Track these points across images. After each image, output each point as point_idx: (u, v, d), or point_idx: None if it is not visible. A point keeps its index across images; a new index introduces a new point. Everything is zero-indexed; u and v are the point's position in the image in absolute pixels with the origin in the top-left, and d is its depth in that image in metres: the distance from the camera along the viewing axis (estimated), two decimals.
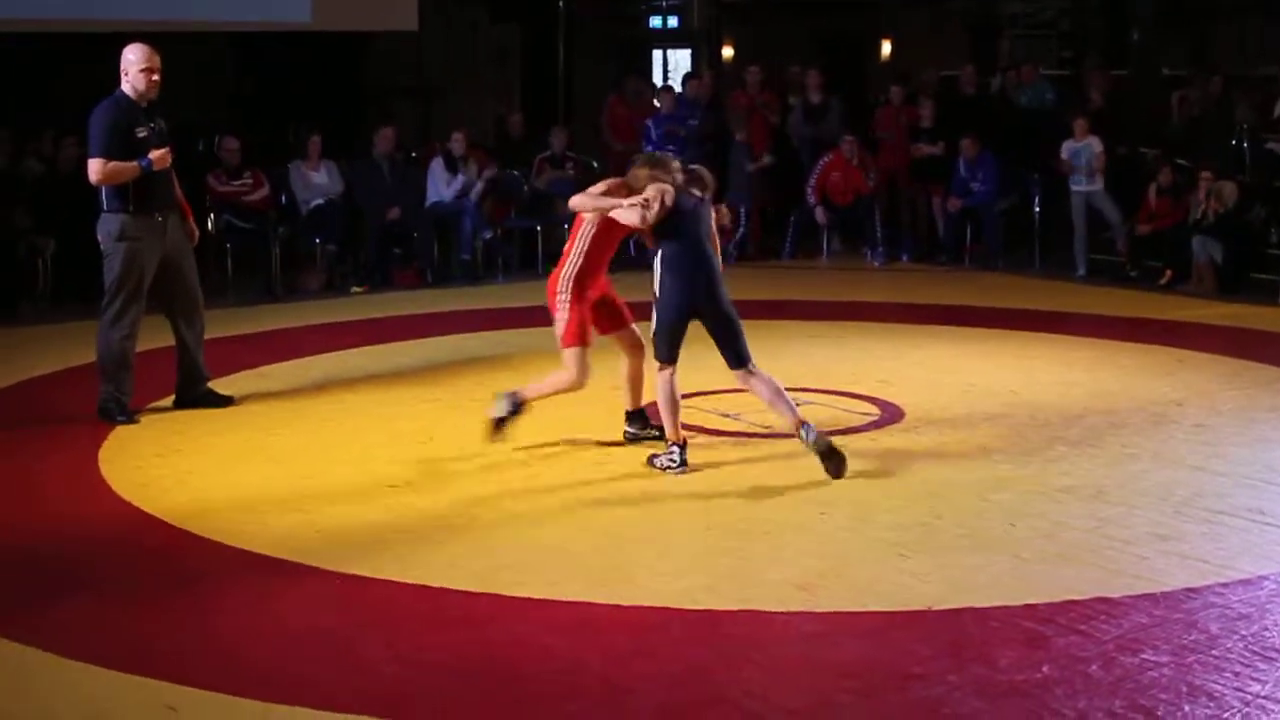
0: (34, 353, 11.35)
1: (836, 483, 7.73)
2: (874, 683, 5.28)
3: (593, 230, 8.35)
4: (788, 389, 8.33)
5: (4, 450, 8.62)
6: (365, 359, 11.22)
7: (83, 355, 11.11)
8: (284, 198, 15.00)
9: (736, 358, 8.18)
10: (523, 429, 8.79)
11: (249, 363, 10.92)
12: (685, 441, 8.17)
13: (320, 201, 14.91)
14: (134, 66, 9.17)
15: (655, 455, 8.21)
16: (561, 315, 8.35)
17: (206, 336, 9.94)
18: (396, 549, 6.77)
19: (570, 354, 8.33)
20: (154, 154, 9.12)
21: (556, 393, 8.48)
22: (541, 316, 11.95)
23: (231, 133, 15.00)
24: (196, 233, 9.77)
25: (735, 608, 5.98)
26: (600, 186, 8.40)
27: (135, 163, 9.09)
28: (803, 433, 7.90)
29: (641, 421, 8.73)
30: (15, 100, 16.19)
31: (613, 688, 5.27)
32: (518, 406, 8.41)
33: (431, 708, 5.17)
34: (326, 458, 8.42)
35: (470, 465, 8.24)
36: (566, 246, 8.50)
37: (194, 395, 9.68)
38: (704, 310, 8.17)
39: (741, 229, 16.57)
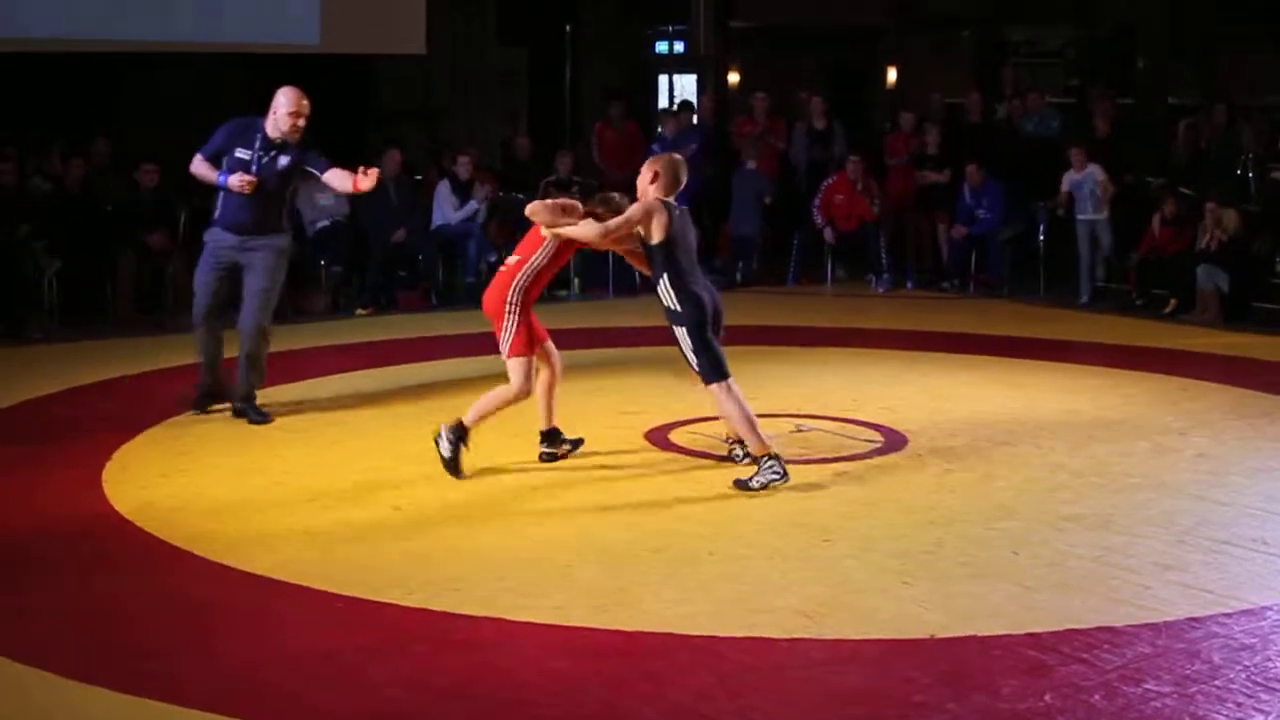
0: (39, 371, 11.35)
1: (840, 510, 7.74)
2: (877, 710, 5.27)
3: (552, 248, 8.57)
4: (792, 415, 8.98)
5: (7, 468, 8.62)
6: (370, 381, 11.23)
7: (88, 374, 11.20)
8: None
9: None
10: (524, 453, 8.82)
11: None
12: (778, 454, 8.19)
13: (326, 223, 14.94)
14: (282, 109, 9.82)
15: (744, 480, 8.16)
16: (509, 325, 8.51)
17: None
18: (400, 571, 6.76)
19: (517, 363, 8.48)
20: (232, 178, 9.68)
21: (502, 408, 8.53)
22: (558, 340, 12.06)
23: None
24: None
25: (739, 634, 5.97)
26: (559, 204, 8.58)
27: (217, 175, 9.78)
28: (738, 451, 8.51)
29: (554, 440, 8.85)
30: (23, 118, 16.22)
31: (616, 713, 5.26)
32: (461, 437, 8.44)
33: None
34: (331, 480, 8.42)
35: (475, 489, 8.24)
36: (518, 258, 8.63)
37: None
38: (716, 315, 8.34)
39: (754, 259, 16.61)
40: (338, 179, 9.99)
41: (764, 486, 8.08)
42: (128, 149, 14.78)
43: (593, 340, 12.57)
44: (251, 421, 9.87)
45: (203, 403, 10.10)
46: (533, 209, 8.54)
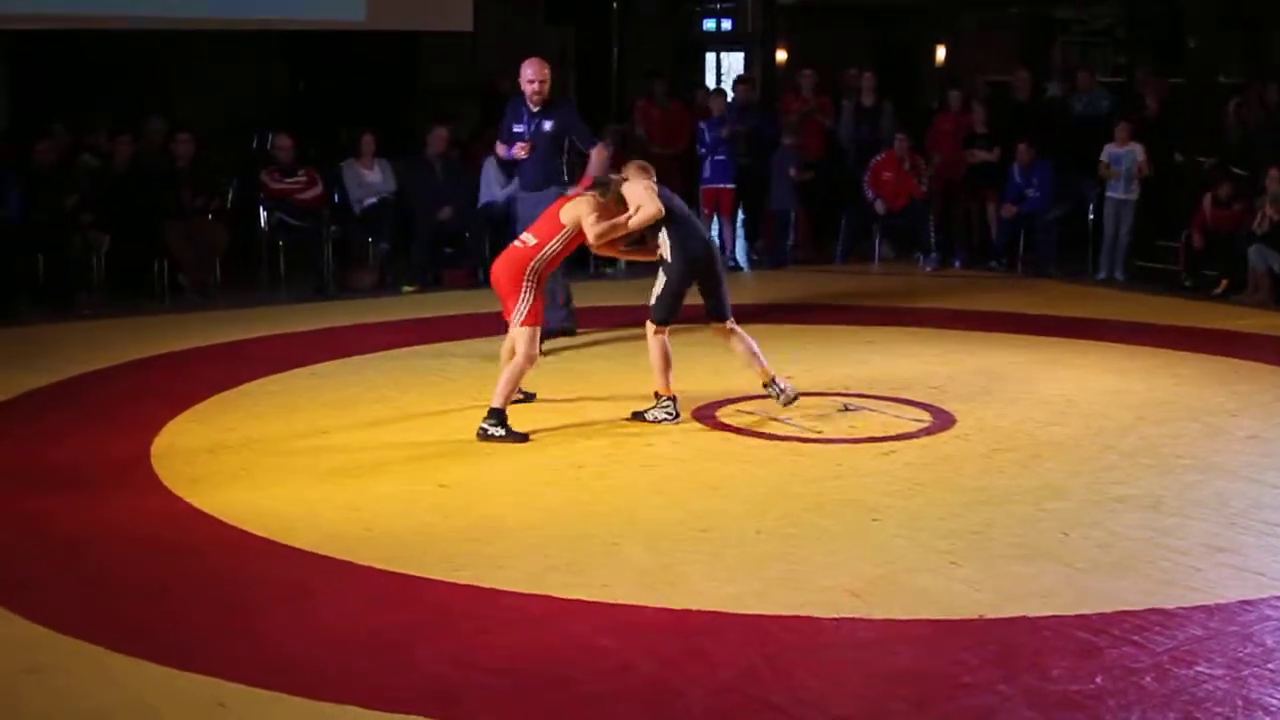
0: (88, 347, 11.38)
1: (888, 489, 7.71)
2: (925, 691, 5.24)
3: (569, 235, 9.11)
4: (839, 394, 9.24)
5: (56, 444, 8.65)
6: (416, 358, 11.23)
7: (136, 350, 11.23)
8: (337, 196, 15.05)
9: (723, 311, 9.29)
10: (571, 433, 8.82)
11: (301, 360, 10.95)
12: (675, 396, 9.13)
13: (373, 200, 14.95)
14: (522, 78, 11.47)
15: (642, 411, 9.14)
16: (525, 298, 8.93)
17: (260, 333, 10.03)
18: (446, 548, 6.76)
19: (527, 332, 8.90)
20: (515, 148, 11.53)
21: (520, 379, 8.99)
22: (596, 317, 12.07)
23: (285, 130, 15.04)
24: None
25: (787, 613, 5.95)
26: (592, 215, 9.09)
27: (506, 152, 11.68)
28: (773, 389, 9.18)
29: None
30: (73, 95, 16.29)
31: (663, 691, 5.24)
32: (501, 419, 8.79)
33: (480, 708, 5.15)
34: (377, 456, 8.43)
35: (521, 465, 8.24)
36: (535, 241, 9.09)
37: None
38: (707, 272, 9.26)
39: (791, 237, 16.56)
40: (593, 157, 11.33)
41: (656, 421, 9.06)
42: (177, 126, 14.80)
43: (639, 317, 12.52)
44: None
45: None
46: (598, 238, 9.12)
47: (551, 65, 11.68)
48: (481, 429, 8.76)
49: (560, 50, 20.72)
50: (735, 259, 16.46)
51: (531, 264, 8.96)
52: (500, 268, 9.12)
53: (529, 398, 9.61)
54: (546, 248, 9.02)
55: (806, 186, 16.75)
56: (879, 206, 16.31)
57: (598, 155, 11.31)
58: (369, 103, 17.81)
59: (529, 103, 11.45)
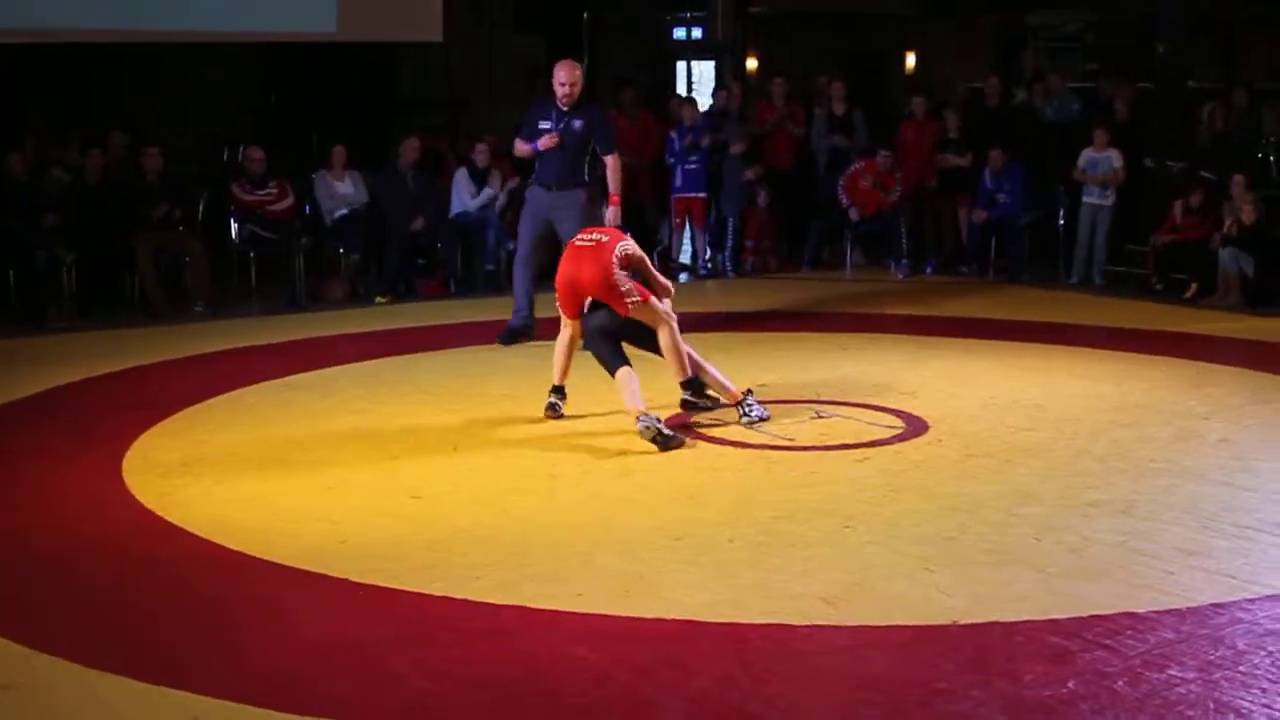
0: (59, 360, 11.36)
1: (861, 496, 7.72)
2: (899, 697, 5.25)
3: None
4: (811, 401, 9.42)
5: (28, 458, 8.63)
6: (389, 369, 11.23)
7: (108, 364, 11.20)
8: (308, 207, 15.04)
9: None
10: (545, 442, 8.84)
11: (273, 372, 10.94)
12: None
13: (344, 212, 14.94)
14: (555, 80, 11.85)
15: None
16: (624, 284, 9.09)
17: (232, 345, 10.00)
18: (421, 560, 6.75)
19: (650, 306, 9.17)
20: (540, 140, 11.85)
21: (680, 343, 9.25)
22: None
23: (256, 142, 15.02)
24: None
25: (761, 621, 5.96)
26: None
27: (529, 146, 11.95)
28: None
29: (560, 395, 9.60)
30: (42, 109, 16.27)
31: (639, 700, 5.25)
32: (697, 390, 9.40)
33: (457, 719, 5.15)
34: (351, 468, 8.42)
35: (495, 475, 8.24)
36: (608, 239, 9.26)
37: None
38: None
39: (730, 242, 16.53)
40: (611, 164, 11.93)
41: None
42: (148, 139, 14.77)
43: None
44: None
45: (512, 338, 12.09)
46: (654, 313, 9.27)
47: (575, 68, 11.98)
48: (684, 401, 9.35)
49: (529, 59, 20.76)
50: (706, 267, 16.48)
51: (615, 254, 9.13)
52: (582, 270, 9.19)
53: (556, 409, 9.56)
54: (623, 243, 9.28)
55: (775, 193, 16.77)
56: (853, 213, 16.34)
57: (615, 164, 11.91)
58: (340, 114, 17.80)
59: (559, 103, 11.82)
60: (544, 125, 11.88)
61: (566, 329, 9.47)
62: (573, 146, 11.86)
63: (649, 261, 9.54)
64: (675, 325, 9.22)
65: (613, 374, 9.16)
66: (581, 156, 11.96)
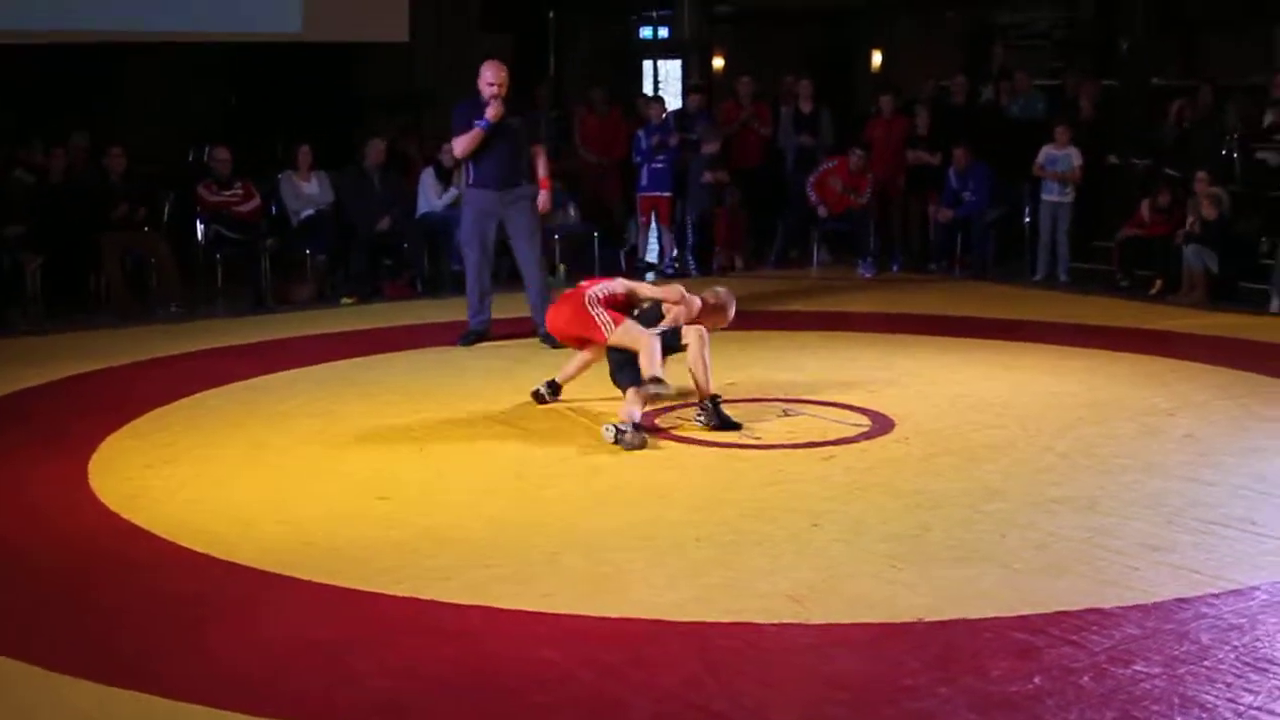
0: (24, 363, 11.31)
1: (827, 495, 7.73)
2: (865, 695, 5.26)
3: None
4: (778, 399, 9.56)
5: None
6: (356, 370, 11.20)
7: (73, 366, 11.15)
8: (274, 208, 15.00)
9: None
10: (512, 443, 8.84)
11: (239, 374, 10.90)
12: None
13: (311, 212, 14.91)
14: (481, 80, 11.90)
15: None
16: (601, 319, 9.25)
17: (198, 347, 10.05)
18: (387, 561, 6.74)
19: (624, 330, 9.19)
20: (488, 110, 11.77)
21: (655, 361, 9.02)
22: (531, 326, 12.07)
23: (222, 143, 14.98)
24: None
25: (727, 620, 5.96)
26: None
27: (476, 126, 11.82)
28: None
29: (554, 390, 9.86)
30: (3, 112, 16.19)
31: (605, 700, 5.24)
32: (715, 404, 9.14)
33: None
34: (316, 470, 8.41)
35: (459, 477, 8.23)
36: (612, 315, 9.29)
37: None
38: None
39: (690, 240, 16.52)
40: (540, 160, 12.17)
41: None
42: (109, 140, 14.70)
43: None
44: (556, 347, 11.23)
45: (471, 339, 12.11)
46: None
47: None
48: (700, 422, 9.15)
49: (496, 55, 20.72)
50: (673, 266, 16.48)
51: (589, 293, 9.41)
52: (560, 314, 9.55)
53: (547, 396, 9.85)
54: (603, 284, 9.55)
55: (742, 192, 16.79)
56: (821, 211, 16.33)
57: (542, 152, 12.20)
58: (305, 114, 17.76)
59: (488, 103, 11.80)
60: (480, 123, 11.87)
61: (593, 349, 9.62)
62: (512, 144, 11.95)
63: (640, 286, 9.76)
64: (655, 343, 9.09)
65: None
66: (522, 153, 12.05)
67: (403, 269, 15.36)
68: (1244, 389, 10.21)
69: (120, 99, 17.47)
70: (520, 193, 12.05)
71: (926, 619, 5.96)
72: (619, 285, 9.59)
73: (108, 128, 15.51)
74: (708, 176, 16.25)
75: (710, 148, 16.32)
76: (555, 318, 9.66)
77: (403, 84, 19.63)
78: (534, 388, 9.89)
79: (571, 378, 9.83)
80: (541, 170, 12.16)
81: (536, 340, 11.84)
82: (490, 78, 11.84)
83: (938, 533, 7.09)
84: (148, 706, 5.23)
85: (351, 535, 7.17)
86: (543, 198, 12.13)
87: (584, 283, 9.67)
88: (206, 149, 15.13)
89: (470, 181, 12.18)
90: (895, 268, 16.56)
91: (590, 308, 9.28)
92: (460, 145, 12.08)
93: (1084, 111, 16.33)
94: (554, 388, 9.85)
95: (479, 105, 11.91)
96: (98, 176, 14.24)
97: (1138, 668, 5.43)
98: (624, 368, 9.18)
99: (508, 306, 12.71)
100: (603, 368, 9.44)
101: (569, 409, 9.67)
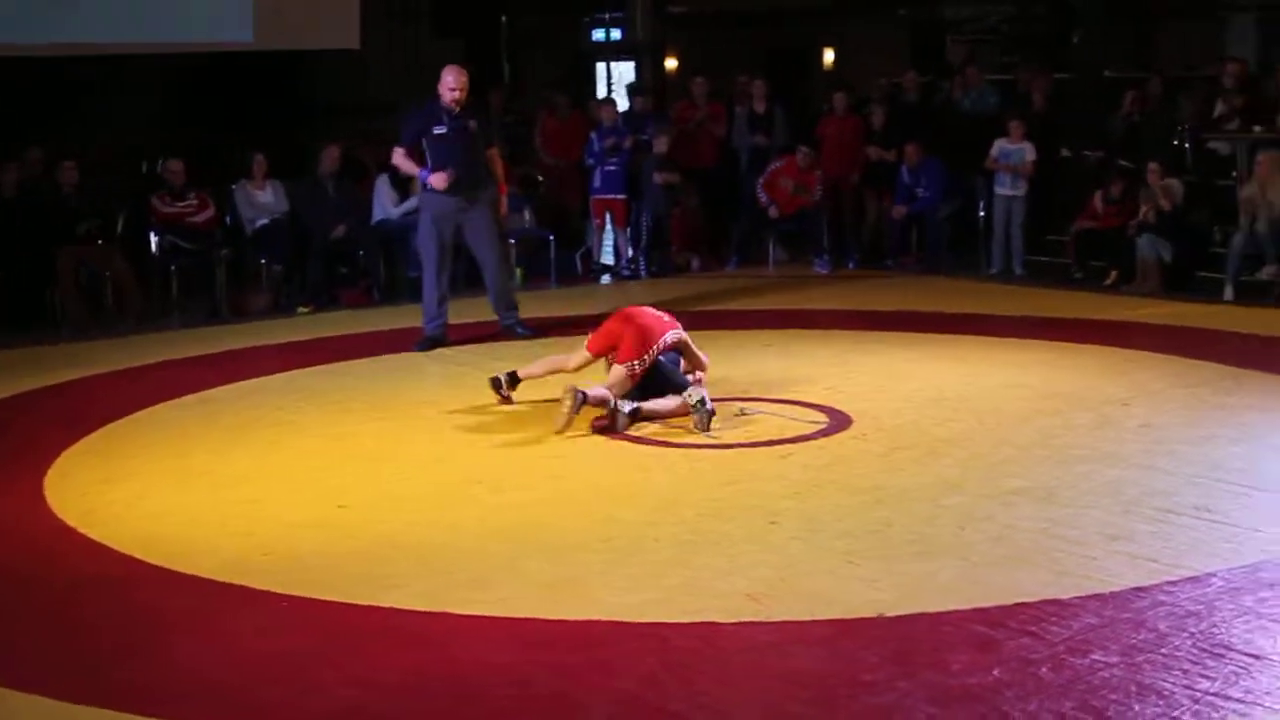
0: None
1: (786, 492, 7.74)
2: (826, 692, 5.27)
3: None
4: (736, 398, 9.64)
5: None
6: (313, 379, 11.16)
7: (29, 380, 11.10)
8: (229, 218, 14.95)
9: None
10: (469, 449, 8.85)
11: (195, 385, 10.86)
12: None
13: (265, 221, 14.86)
14: (442, 84, 12.02)
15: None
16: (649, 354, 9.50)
17: (154, 359, 10.77)
18: (347, 569, 6.73)
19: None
20: (433, 177, 11.97)
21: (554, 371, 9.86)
22: (489, 332, 12.08)
23: (175, 154, 14.90)
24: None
25: (686, 620, 5.97)
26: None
27: (418, 171, 12.17)
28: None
29: (512, 382, 10.00)
30: None
31: (564, 703, 5.24)
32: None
33: None
34: (275, 480, 8.38)
35: (419, 483, 8.22)
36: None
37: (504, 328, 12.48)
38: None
39: (644, 241, 16.52)
40: (497, 163, 12.45)
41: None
42: (61, 154, 14.62)
43: (542, 329, 12.60)
44: (520, 336, 12.29)
45: (430, 345, 12.10)
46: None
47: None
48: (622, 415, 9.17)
49: (448, 61, 20.67)
50: (629, 268, 16.48)
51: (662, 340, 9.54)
52: (638, 334, 9.48)
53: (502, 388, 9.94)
54: (664, 341, 9.54)
55: (698, 193, 16.82)
56: (772, 211, 16.35)
57: (497, 155, 12.48)
58: (258, 123, 17.69)
59: (448, 106, 11.98)
60: (438, 130, 12.00)
61: (576, 359, 9.77)
62: (469, 149, 12.07)
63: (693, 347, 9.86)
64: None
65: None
66: (479, 157, 12.18)
67: (359, 277, 15.33)
68: (1198, 378, 10.25)
69: (72, 112, 17.38)
70: (478, 195, 12.17)
71: (885, 614, 5.98)
72: (683, 338, 9.74)
73: (59, 141, 15.42)
74: (658, 178, 16.23)
75: (660, 146, 16.29)
76: (631, 321, 9.61)
77: (356, 91, 19.56)
78: (494, 374, 9.98)
79: (535, 377, 9.91)
80: (499, 175, 12.36)
81: (493, 344, 11.89)
82: (451, 82, 11.97)
83: (896, 528, 7.11)
84: None
85: (311, 544, 7.16)
86: (503, 202, 12.38)
87: (667, 320, 9.70)
88: (160, 161, 15.05)
89: (427, 186, 12.20)
90: (851, 264, 16.58)
91: (652, 345, 9.45)
92: (398, 163, 12.40)
93: (1036, 105, 16.40)
94: (513, 379, 9.91)
95: (433, 112, 12.05)
96: (51, 191, 14.16)
97: (1096, 657, 5.46)
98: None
99: (464, 311, 12.70)
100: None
101: (526, 411, 9.65)
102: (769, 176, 16.37)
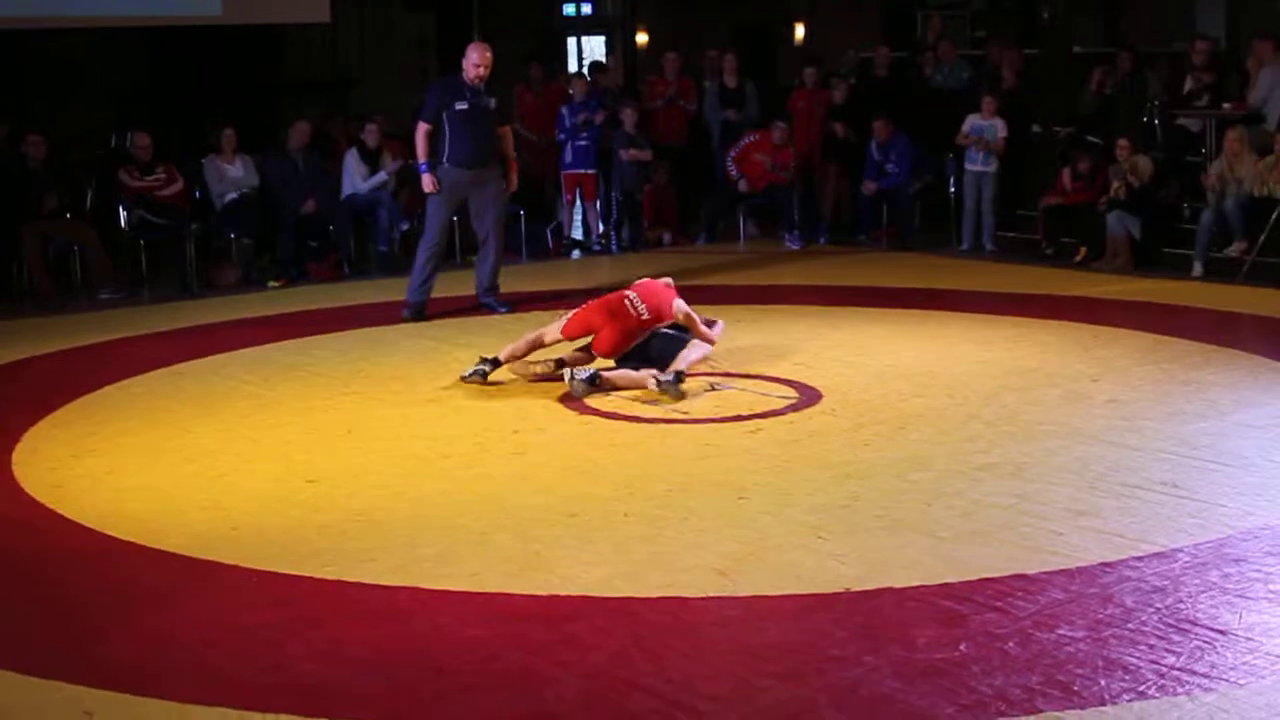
0: None
1: (755, 468, 7.75)
2: (793, 666, 5.28)
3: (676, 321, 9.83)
4: (706, 374, 9.67)
5: None
6: (282, 353, 11.15)
7: None
8: (198, 192, 14.90)
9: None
10: (438, 424, 8.85)
11: (164, 360, 10.84)
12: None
13: (235, 195, 14.80)
14: (467, 60, 12.20)
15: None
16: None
17: (122, 334, 10.77)
18: (315, 544, 6.73)
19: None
20: (425, 180, 12.25)
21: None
22: (461, 307, 12.07)
23: (143, 128, 14.84)
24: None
25: (655, 595, 5.97)
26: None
27: (421, 162, 12.31)
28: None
29: (495, 367, 9.89)
30: None
31: (533, 678, 5.25)
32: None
33: (352, 703, 5.13)
34: (244, 454, 8.36)
35: (389, 457, 8.21)
36: (649, 317, 9.66)
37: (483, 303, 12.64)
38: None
39: (614, 217, 16.51)
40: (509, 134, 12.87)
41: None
42: (27, 127, 14.56)
43: (516, 302, 12.60)
44: (498, 310, 12.45)
45: (417, 312, 12.29)
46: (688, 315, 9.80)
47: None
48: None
49: (419, 37, 20.65)
50: (599, 243, 16.47)
51: (644, 331, 9.65)
52: (614, 338, 9.57)
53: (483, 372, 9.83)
54: (658, 326, 9.69)
55: (670, 168, 16.81)
56: (742, 185, 16.33)
57: (509, 133, 12.82)
58: (227, 96, 17.63)
59: (471, 83, 12.17)
60: (460, 106, 12.13)
61: (551, 335, 9.81)
62: (488, 126, 12.32)
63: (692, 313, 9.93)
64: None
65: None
66: (495, 133, 12.45)
67: (329, 251, 15.28)
68: (1166, 354, 10.30)
69: (39, 85, 17.29)
70: (491, 174, 12.42)
71: (853, 589, 6.00)
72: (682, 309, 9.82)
73: (26, 114, 15.35)
74: (625, 154, 16.19)
75: (629, 119, 16.25)
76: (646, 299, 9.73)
77: (326, 66, 19.50)
78: (475, 368, 9.83)
79: (519, 356, 9.87)
80: (509, 152, 12.62)
81: (464, 319, 11.91)
82: (477, 59, 12.12)
83: (864, 503, 7.13)
84: (74, 697, 5.20)
85: (279, 519, 7.15)
86: (512, 179, 12.61)
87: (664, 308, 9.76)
88: (128, 134, 14.99)
89: (445, 159, 12.27)
90: (822, 240, 16.60)
91: (628, 346, 9.65)
92: (419, 141, 12.35)
93: (1006, 81, 16.41)
94: (495, 364, 9.84)
95: (456, 88, 12.24)
96: (17, 164, 14.09)
97: (1062, 632, 5.48)
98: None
99: (438, 286, 12.66)
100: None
101: (495, 388, 9.66)
102: (741, 151, 16.35)
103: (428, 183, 12.21)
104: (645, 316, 9.63)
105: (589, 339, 9.69)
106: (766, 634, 5.61)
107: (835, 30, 21.78)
